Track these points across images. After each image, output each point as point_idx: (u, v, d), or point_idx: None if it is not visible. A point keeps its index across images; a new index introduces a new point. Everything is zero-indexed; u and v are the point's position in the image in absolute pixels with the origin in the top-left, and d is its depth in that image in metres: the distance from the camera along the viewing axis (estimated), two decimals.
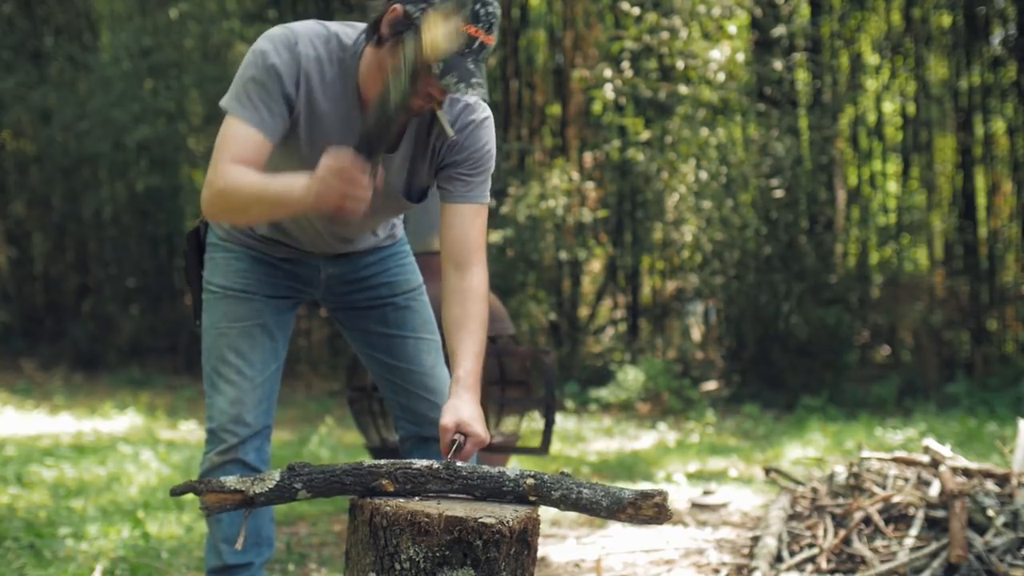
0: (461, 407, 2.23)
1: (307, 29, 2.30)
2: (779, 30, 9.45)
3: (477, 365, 2.32)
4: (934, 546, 3.38)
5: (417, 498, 2.06)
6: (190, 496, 4.91)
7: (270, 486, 2.00)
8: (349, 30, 2.33)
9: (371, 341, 2.74)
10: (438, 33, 2.02)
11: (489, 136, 2.43)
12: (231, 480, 1.99)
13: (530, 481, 2.04)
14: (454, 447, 2.15)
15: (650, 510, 1.96)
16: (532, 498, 2.04)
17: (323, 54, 2.28)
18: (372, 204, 2.42)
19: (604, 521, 4.58)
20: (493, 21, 2.15)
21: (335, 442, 6.94)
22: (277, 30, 2.28)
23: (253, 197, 2.20)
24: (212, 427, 2.63)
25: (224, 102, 2.28)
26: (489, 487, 2.05)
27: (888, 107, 11.61)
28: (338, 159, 2.07)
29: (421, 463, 2.07)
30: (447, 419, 2.20)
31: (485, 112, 2.42)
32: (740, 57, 9.41)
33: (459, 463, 2.08)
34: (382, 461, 2.06)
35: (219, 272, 2.62)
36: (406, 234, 2.88)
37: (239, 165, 2.21)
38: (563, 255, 10.20)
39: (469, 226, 2.41)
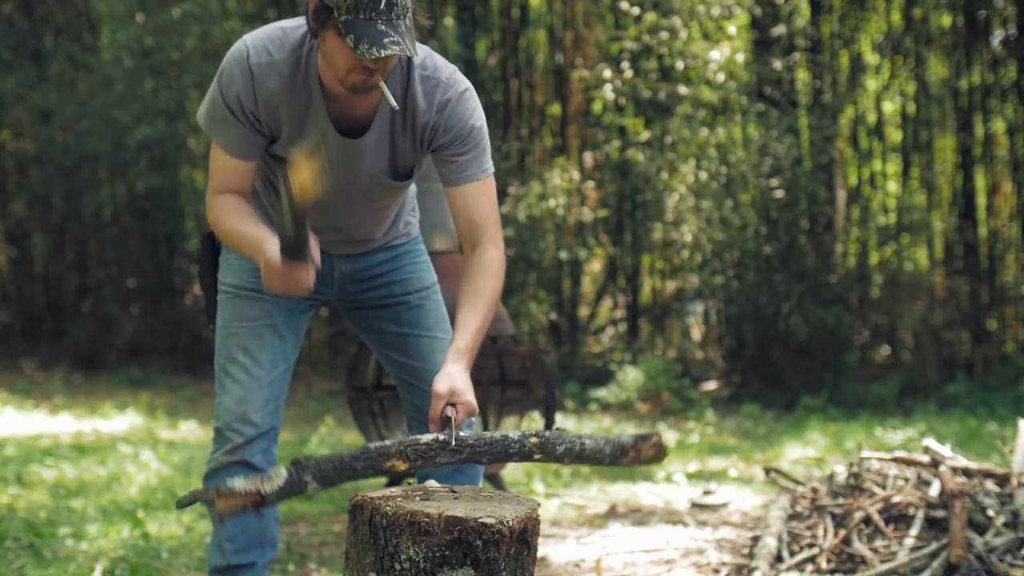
0: (456, 375, 2.23)
1: (261, 36, 2.37)
2: (779, 30, 9.45)
3: (476, 340, 2.32)
4: (934, 546, 3.38)
5: (418, 497, 2.06)
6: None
7: (280, 483, 2.00)
8: (297, 26, 2.38)
9: (384, 340, 2.74)
10: (303, 176, 2.01)
11: (470, 110, 2.41)
12: (239, 483, 1.98)
13: (534, 440, 2.05)
14: (448, 422, 2.15)
15: (650, 451, 2.04)
16: (537, 456, 2.06)
17: (276, 56, 2.34)
18: (360, 192, 2.52)
19: (604, 521, 4.59)
20: None
21: (335, 442, 6.94)
22: (232, 51, 2.37)
23: (232, 242, 2.44)
24: (218, 426, 2.64)
25: (199, 120, 2.45)
26: (496, 452, 2.07)
27: (888, 107, 11.61)
28: (271, 265, 2.21)
29: (427, 437, 2.08)
30: (440, 385, 2.21)
31: (462, 86, 2.40)
32: (740, 57, 9.40)
33: (463, 433, 2.09)
34: (388, 441, 2.06)
35: (233, 272, 2.64)
36: None
37: (224, 195, 2.42)
38: (563, 255, 10.20)
39: (473, 205, 2.41)
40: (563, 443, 2.03)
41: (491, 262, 2.39)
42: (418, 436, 2.08)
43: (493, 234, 2.42)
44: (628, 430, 7.93)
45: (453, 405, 2.18)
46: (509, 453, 2.06)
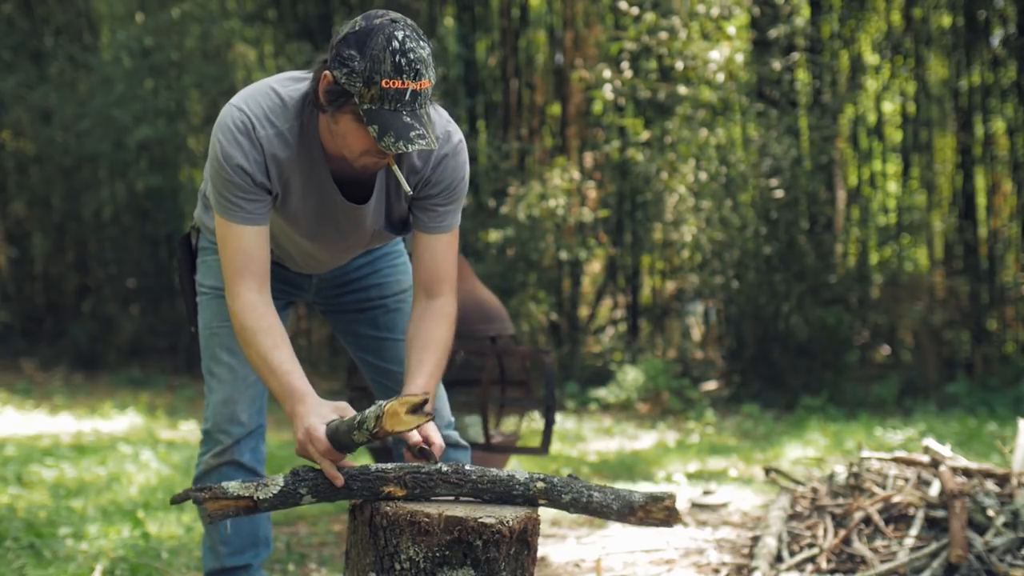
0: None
1: (259, 105, 2.27)
2: (778, 30, 9.44)
3: (430, 384, 2.29)
4: (934, 546, 3.38)
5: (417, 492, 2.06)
6: None
7: (274, 492, 1.99)
8: (301, 87, 2.30)
9: (361, 343, 2.73)
10: (397, 421, 1.99)
11: (462, 164, 2.39)
12: (234, 486, 1.98)
13: (540, 485, 2.02)
14: (424, 454, 2.12)
15: (660, 513, 1.97)
16: (542, 502, 2.03)
17: (282, 127, 2.27)
18: (360, 244, 2.53)
19: (604, 521, 4.58)
20: (419, 66, 2.10)
21: None
22: (230, 119, 2.26)
23: (255, 364, 2.27)
24: (207, 427, 2.63)
25: (211, 196, 2.32)
26: (499, 491, 2.04)
27: (888, 107, 11.60)
28: (317, 440, 2.06)
29: (430, 466, 2.06)
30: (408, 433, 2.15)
31: (455, 138, 2.37)
32: (739, 58, 9.40)
33: (468, 466, 2.07)
34: (389, 465, 2.05)
35: (212, 274, 2.63)
36: None
37: (249, 283, 2.28)
38: (563, 255, 10.20)
39: (441, 256, 2.40)
40: (570, 492, 2.01)
41: (449, 314, 2.39)
42: (419, 465, 2.06)
43: (451, 286, 2.43)
44: (629, 430, 7.93)
45: (426, 446, 2.14)
46: (512, 494, 2.03)
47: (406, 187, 2.23)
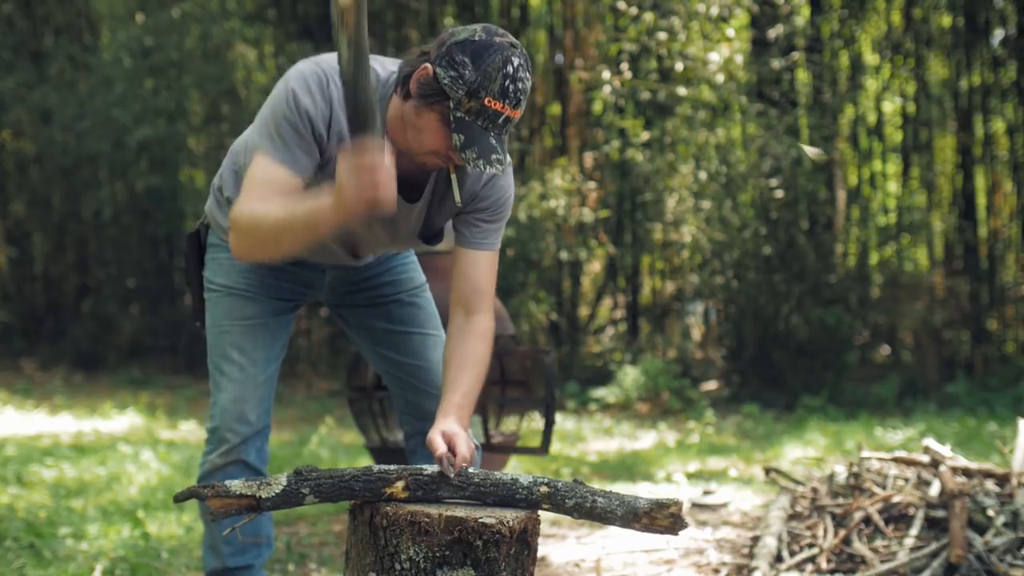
0: (444, 429, 2.17)
1: (334, 67, 2.25)
2: (777, 30, 9.45)
3: (467, 401, 2.29)
4: (934, 546, 3.38)
5: (419, 493, 2.05)
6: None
7: (277, 491, 1.99)
8: (379, 68, 2.29)
9: (376, 338, 2.73)
10: None
11: (510, 183, 2.42)
12: (237, 484, 1.98)
13: (544, 489, 2.02)
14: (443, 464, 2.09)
15: (665, 520, 1.97)
16: (545, 506, 2.02)
17: None
18: (385, 246, 2.49)
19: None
20: (521, 96, 2.12)
21: (335, 442, 6.94)
22: (308, 67, 2.25)
23: (281, 226, 2.14)
24: (214, 426, 2.61)
25: (255, 139, 2.26)
26: (502, 494, 2.03)
27: (888, 107, 11.61)
28: (351, 153, 1.98)
29: (432, 469, 2.05)
30: (437, 445, 2.12)
31: (507, 159, 2.37)
32: (739, 58, 9.41)
33: (471, 469, 2.06)
34: (392, 468, 2.04)
35: (222, 272, 2.62)
36: None
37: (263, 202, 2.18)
38: (563, 255, 10.21)
39: (482, 273, 2.41)
40: (574, 497, 2.00)
41: (487, 331, 2.40)
42: (422, 467, 2.05)
43: (490, 304, 2.43)
44: (628, 430, 7.93)
45: (451, 453, 2.12)
46: (515, 498, 2.03)
47: (458, 198, 2.24)
